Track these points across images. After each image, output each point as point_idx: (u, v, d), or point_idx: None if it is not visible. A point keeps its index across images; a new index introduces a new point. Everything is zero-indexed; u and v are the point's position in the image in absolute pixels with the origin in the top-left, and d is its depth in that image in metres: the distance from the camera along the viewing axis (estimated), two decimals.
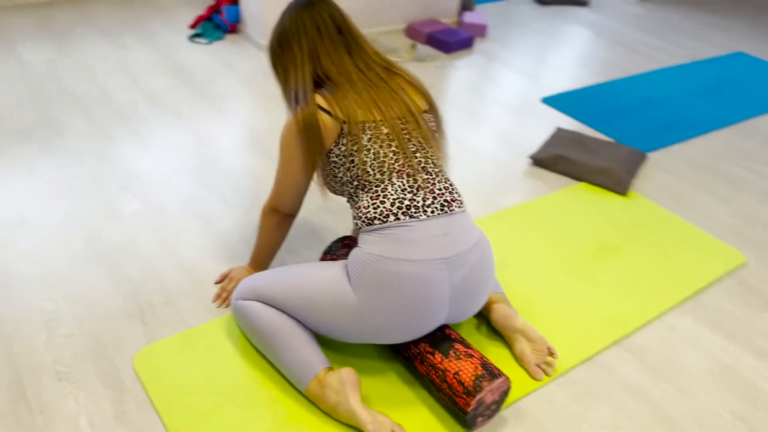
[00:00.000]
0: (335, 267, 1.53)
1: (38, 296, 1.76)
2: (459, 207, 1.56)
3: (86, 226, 2.02)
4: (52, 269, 1.85)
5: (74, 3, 3.71)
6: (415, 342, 1.57)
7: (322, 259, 1.66)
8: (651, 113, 3.13)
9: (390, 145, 1.53)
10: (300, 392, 1.55)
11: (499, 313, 1.71)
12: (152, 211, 2.11)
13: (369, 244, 1.48)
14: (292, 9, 1.60)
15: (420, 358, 1.55)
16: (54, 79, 2.86)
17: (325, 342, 1.70)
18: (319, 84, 1.59)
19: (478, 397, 1.44)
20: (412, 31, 3.66)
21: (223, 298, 1.79)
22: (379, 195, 1.51)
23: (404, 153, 1.54)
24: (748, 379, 1.73)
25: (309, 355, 1.51)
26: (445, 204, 1.53)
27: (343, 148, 1.53)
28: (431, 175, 1.55)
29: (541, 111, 3.06)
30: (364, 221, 1.51)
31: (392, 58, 3.39)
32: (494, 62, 3.53)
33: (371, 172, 1.52)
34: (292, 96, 1.60)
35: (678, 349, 1.81)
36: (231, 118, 2.70)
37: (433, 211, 1.50)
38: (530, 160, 2.64)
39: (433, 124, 1.64)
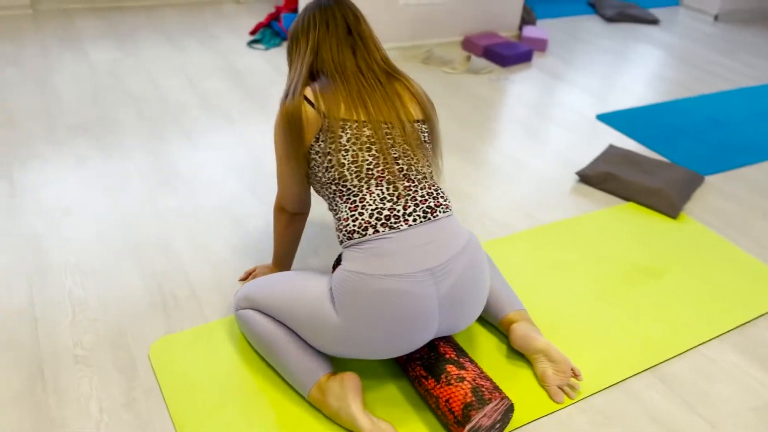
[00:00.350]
0: (321, 284, 1.47)
1: (70, 282, 1.81)
2: (444, 212, 1.50)
3: (125, 219, 2.08)
4: (87, 257, 1.90)
5: (144, 8, 3.87)
6: (412, 365, 1.53)
7: (334, 267, 1.63)
8: (714, 134, 2.97)
9: (370, 149, 1.49)
10: (303, 398, 1.52)
11: (518, 333, 1.64)
12: (189, 209, 2.15)
13: (349, 261, 1.43)
14: (308, 7, 1.61)
15: (417, 381, 1.51)
16: (115, 77, 2.98)
17: None
18: (316, 78, 1.57)
19: (468, 426, 1.38)
20: (469, 44, 3.63)
21: None
22: (357, 205, 1.46)
23: (384, 158, 1.49)
24: None
25: (308, 362, 1.49)
26: (428, 210, 1.47)
27: (322, 145, 1.50)
28: (413, 182, 1.49)
29: (595, 128, 2.96)
30: (344, 235, 1.46)
31: (445, 69, 3.36)
32: (551, 77, 3.45)
33: (348, 177, 1.48)
34: (288, 88, 1.59)
35: (715, 382, 1.69)
36: None
37: (415, 219, 1.45)
38: (577, 177, 2.55)
39: (425, 134, 1.58)
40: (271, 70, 3.21)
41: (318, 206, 2.19)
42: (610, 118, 3.04)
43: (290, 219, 1.72)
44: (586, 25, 4.33)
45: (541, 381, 1.61)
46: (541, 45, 3.75)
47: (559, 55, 3.77)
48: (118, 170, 2.32)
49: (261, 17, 3.89)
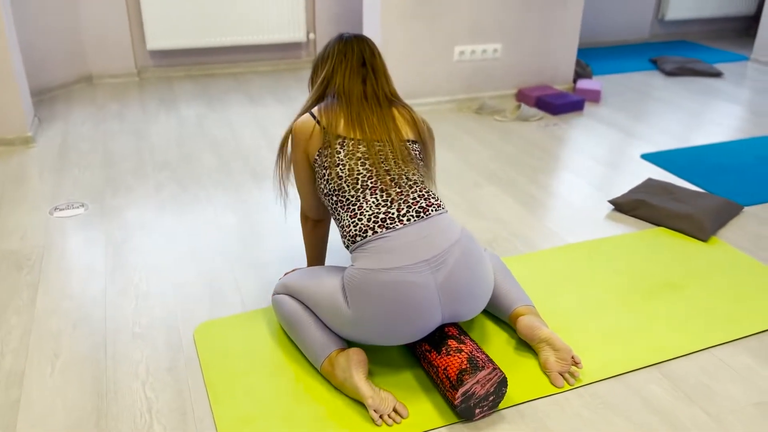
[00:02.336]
0: (336, 280, 1.68)
1: (137, 278, 2.12)
2: (436, 210, 1.68)
3: (190, 232, 2.40)
4: (154, 260, 2.22)
5: (233, 74, 4.39)
6: (419, 342, 1.69)
7: None
8: (763, 171, 2.98)
9: (364, 163, 1.70)
10: (317, 370, 1.71)
11: (524, 323, 1.76)
12: (245, 225, 2.45)
13: (356, 261, 1.63)
14: (331, 41, 1.88)
15: (422, 357, 1.67)
16: (200, 127, 3.42)
17: None
18: (326, 99, 1.82)
19: (461, 390, 1.51)
20: (522, 96, 3.84)
21: None
22: (356, 213, 1.66)
23: (377, 171, 1.69)
24: None
25: (325, 338, 1.68)
26: (421, 210, 1.66)
27: (324, 159, 1.72)
28: (404, 188, 1.68)
29: (638, 166, 3.05)
30: (348, 239, 1.67)
31: (497, 117, 3.58)
32: (601, 123, 3.58)
33: (346, 188, 1.69)
34: (305, 108, 1.85)
35: (722, 380, 1.72)
36: None
37: (409, 219, 1.64)
38: (611, 206, 2.65)
39: (416, 152, 1.78)
40: None
41: None
42: (654, 157, 3.12)
43: (314, 225, 1.97)
44: (645, 79, 4.45)
45: (544, 368, 1.72)
46: (594, 96, 3.91)
47: (612, 104, 3.90)
48: (190, 196, 2.67)
49: None
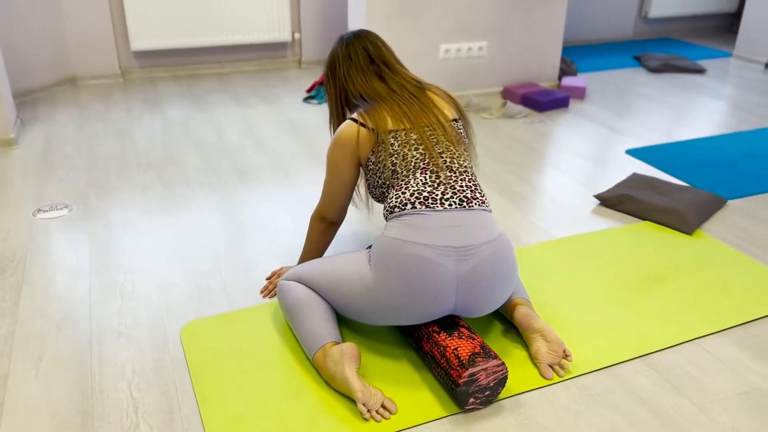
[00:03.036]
0: (362, 252, 1.73)
1: (122, 279, 2.10)
2: (480, 205, 1.70)
3: (176, 232, 2.38)
4: (140, 261, 2.20)
5: (218, 75, 4.37)
6: (426, 324, 1.69)
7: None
8: (747, 165, 3.01)
9: (417, 148, 1.73)
10: (309, 361, 1.71)
11: (521, 312, 1.78)
12: (231, 225, 2.44)
13: (389, 230, 1.66)
14: (334, 46, 1.93)
15: (427, 337, 1.67)
16: (185, 128, 3.40)
17: (348, 325, 1.86)
18: (356, 104, 1.86)
19: (471, 370, 1.52)
20: (508, 93, 3.86)
21: (268, 290, 2.02)
22: (403, 188, 1.70)
23: (430, 154, 1.73)
24: None
25: (322, 329, 1.68)
26: (465, 200, 1.68)
27: (379, 156, 1.75)
28: (455, 173, 1.72)
29: (623, 161, 3.07)
30: (388, 210, 1.71)
31: (483, 115, 3.59)
32: (586, 119, 3.60)
33: (399, 171, 1.72)
34: (332, 117, 1.94)
35: (709, 371, 1.73)
36: (324, 165, 3.03)
37: (450, 204, 1.66)
38: (596, 201, 2.66)
39: (461, 130, 1.83)
40: (320, 119, 3.55)
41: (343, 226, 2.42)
42: (639, 152, 3.14)
43: (327, 227, 1.97)
44: (629, 76, 4.47)
45: (534, 358, 1.72)
46: (579, 93, 3.93)
47: (597, 101, 3.93)
48: (175, 197, 2.65)
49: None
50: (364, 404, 1.53)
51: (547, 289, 2.07)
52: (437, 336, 1.64)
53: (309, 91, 3.97)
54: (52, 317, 1.91)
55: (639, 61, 4.79)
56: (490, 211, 1.74)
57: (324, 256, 1.84)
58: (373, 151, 1.76)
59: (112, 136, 3.28)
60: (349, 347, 1.61)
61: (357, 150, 1.78)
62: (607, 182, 2.84)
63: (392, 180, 1.73)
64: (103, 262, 2.19)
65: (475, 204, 1.69)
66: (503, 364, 1.57)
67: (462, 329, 1.65)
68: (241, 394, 1.62)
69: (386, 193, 1.77)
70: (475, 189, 1.73)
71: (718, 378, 1.71)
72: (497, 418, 1.57)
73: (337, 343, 1.67)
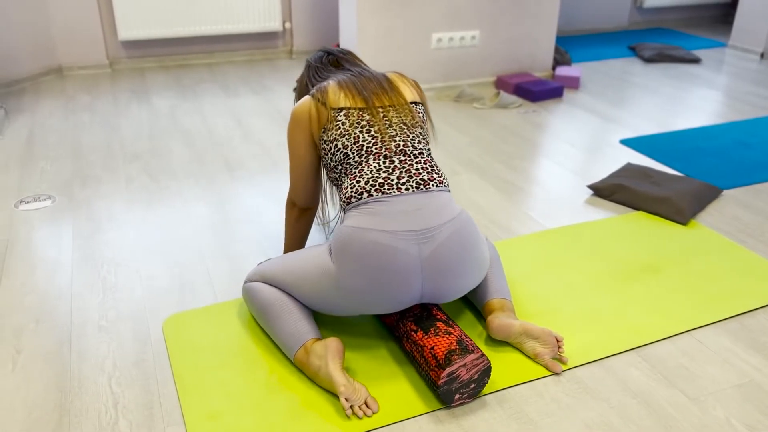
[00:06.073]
0: (323, 245, 1.67)
1: (105, 270, 2.05)
2: (437, 186, 1.65)
3: (160, 223, 2.33)
4: (123, 253, 2.15)
5: (207, 65, 4.30)
6: (404, 321, 1.64)
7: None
8: (741, 155, 2.97)
9: (369, 131, 1.69)
10: (290, 361, 1.66)
11: (495, 323, 1.70)
12: (217, 216, 2.39)
13: (347, 220, 1.61)
14: (303, 72, 1.98)
15: (406, 336, 1.62)
16: (172, 118, 3.34)
17: (327, 322, 1.81)
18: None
19: (448, 370, 1.47)
20: (501, 83, 3.81)
21: None
22: (357, 176, 1.65)
23: (382, 137, 1.68)
24: None
25: (300, 327, 1.63)
26: (422, 182, 1.63)
27: (330, 134, 1.71)
28: (409, 156, 1.68)
29: (617, 151, 3.02)
30: (344, 201, 1.66)
31: (476, 105, 3.54)
32: (580, 109, 3.56)
33: (351, 155, 1.68)
34: (295, 100, 1.97)
35: (703, 362, 1.69)
36: None
37: (408, 189, 1.61)
38: (590, 191, 2.62)
39: (421, 113, 1.79)
40: None
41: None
42: (633, 142, 3.10)
43: (300, 213, 1.92)
44: (624, 66, 4.43)
45: (536, 359, 1.67)
46: (573, 82, 3.88)
47: (591, 91, 3.88)
48: (161, 188, 2.60)
49: None
50: (347, 399, 1.48)
51: (539, 280, 2.03)
52: (415, 335, 1.59)
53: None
54: (31, 310, 1.87)
55: (634, 51, 4.75)
56: (449, 189, 1.70)
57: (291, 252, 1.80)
58: (324, 129, 1.72)
59: (97, 127, 3.22)
60: (333, 342, 1.57)
61: (310, 126, 1.75)
62: (601, 172, 2.80)
63: (345, 165, 1.69)
64: (86, 254, 2.14)
65: (433, 185, 1.65)
66: (483, 355, 1.52)
67: (439, 324, 1.59)
68: (223, 388, 1.58)
69: (340, 180, 1.72)
70: (432, 170, 1.69)
71: (712, 370, 1.67)
72: (487, 412, 1.53)
73: (318, 339, 1.63)
